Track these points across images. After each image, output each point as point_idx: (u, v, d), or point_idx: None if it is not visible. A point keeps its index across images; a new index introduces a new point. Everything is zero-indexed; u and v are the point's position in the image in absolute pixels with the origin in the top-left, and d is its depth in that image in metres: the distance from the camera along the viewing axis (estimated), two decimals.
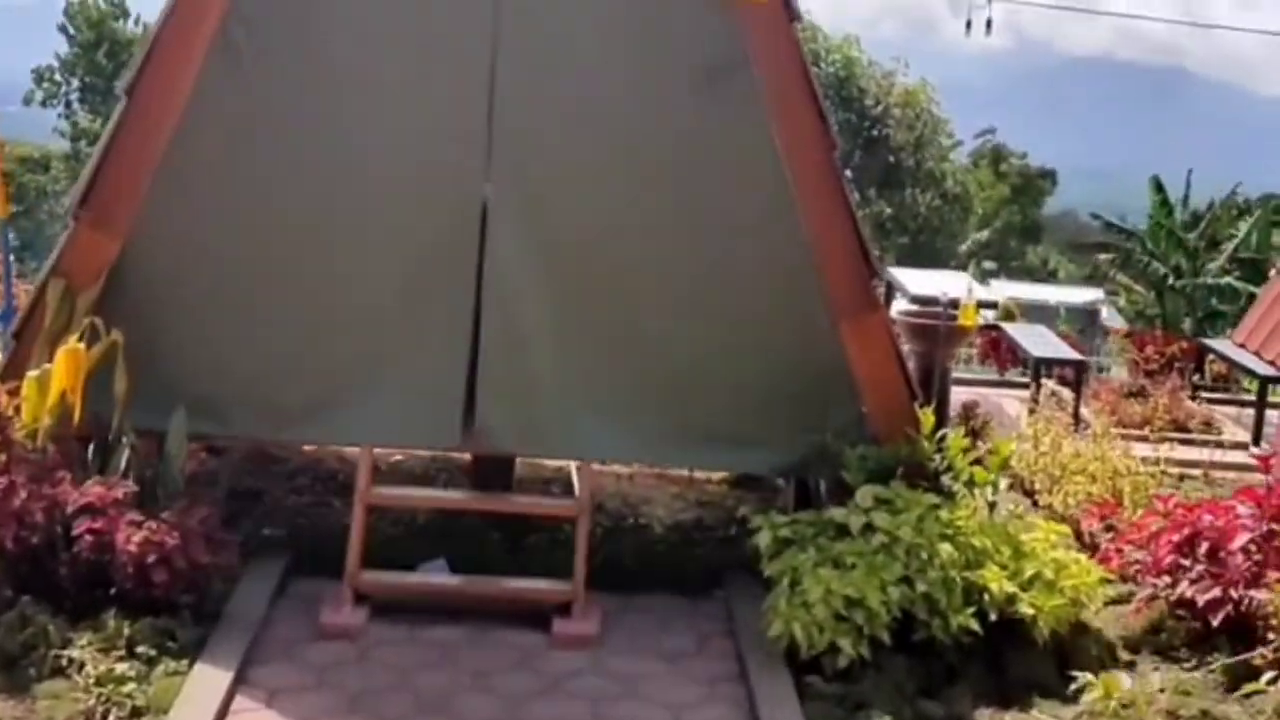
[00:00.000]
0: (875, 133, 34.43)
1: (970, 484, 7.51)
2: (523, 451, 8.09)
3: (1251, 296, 31.66)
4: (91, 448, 7.12)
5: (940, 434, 7.67)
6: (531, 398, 7.61)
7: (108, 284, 7.42)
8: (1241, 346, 10.94)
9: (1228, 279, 32.10)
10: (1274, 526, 6.97)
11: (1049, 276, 45.52)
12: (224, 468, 8.55)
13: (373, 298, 7.57)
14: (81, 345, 7.04)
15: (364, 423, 7.57)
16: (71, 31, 45.51)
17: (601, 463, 8.69)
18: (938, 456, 7.56)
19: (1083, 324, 29.53)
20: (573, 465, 8.51)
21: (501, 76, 7.39)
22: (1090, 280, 40.01)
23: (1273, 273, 9.36)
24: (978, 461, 7.65)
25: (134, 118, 7.46)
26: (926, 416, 7.60)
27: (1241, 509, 7.07)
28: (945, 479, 7.55)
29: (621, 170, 7.52)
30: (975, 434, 10.24)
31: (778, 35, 7.46)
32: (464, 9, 7.39)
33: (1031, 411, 12.28)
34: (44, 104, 46.12)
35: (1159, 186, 33.97)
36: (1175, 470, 10.60)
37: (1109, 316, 33.31)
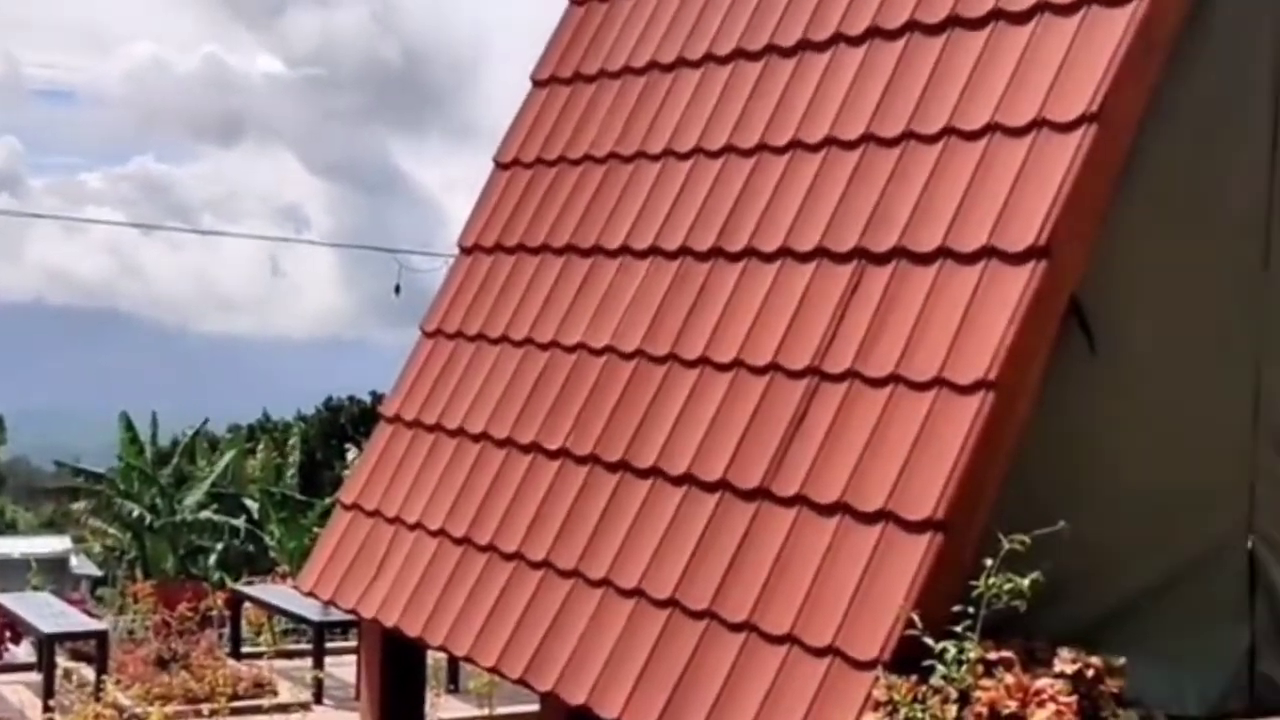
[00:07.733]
0: None
1: None
2: None
3: (235, 531, 31.05)
4: None
5: None
6: None
7: None
8: (310, 595, 9.45)
9: (206, 513, 31.18)
10: None
11: (8, 528, 42.37)
12: None
13: None
14: None
15: None
16: None
17: None
18: None
19: (54, 575, 27.71)
20: None
21: None
22: (52, 528, 37.81)
23: (337, 508, 8.10)
24: None
25: None
26: None
27: None
28: None
29: None
30: None
31: None
32: None
33: (48, 706, 10.00)
34: None
35: (129, 425, 32.48)
36: None
37: (80, 564, 31.82)
